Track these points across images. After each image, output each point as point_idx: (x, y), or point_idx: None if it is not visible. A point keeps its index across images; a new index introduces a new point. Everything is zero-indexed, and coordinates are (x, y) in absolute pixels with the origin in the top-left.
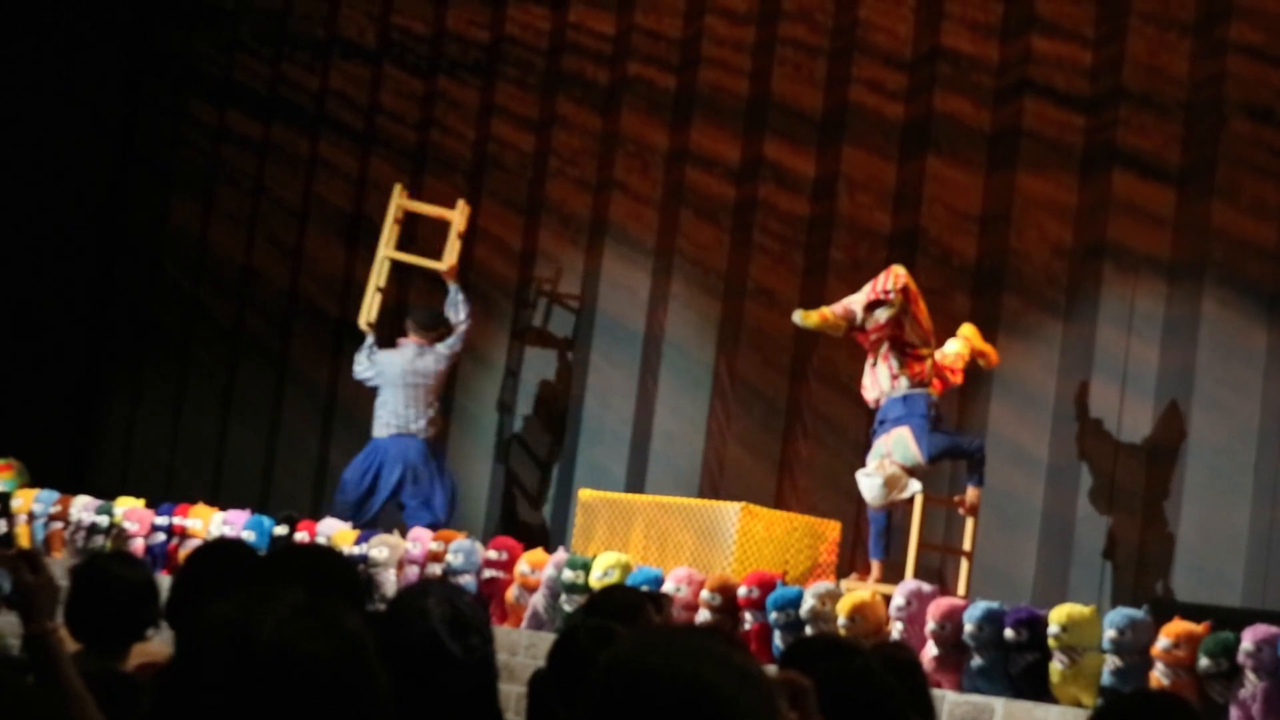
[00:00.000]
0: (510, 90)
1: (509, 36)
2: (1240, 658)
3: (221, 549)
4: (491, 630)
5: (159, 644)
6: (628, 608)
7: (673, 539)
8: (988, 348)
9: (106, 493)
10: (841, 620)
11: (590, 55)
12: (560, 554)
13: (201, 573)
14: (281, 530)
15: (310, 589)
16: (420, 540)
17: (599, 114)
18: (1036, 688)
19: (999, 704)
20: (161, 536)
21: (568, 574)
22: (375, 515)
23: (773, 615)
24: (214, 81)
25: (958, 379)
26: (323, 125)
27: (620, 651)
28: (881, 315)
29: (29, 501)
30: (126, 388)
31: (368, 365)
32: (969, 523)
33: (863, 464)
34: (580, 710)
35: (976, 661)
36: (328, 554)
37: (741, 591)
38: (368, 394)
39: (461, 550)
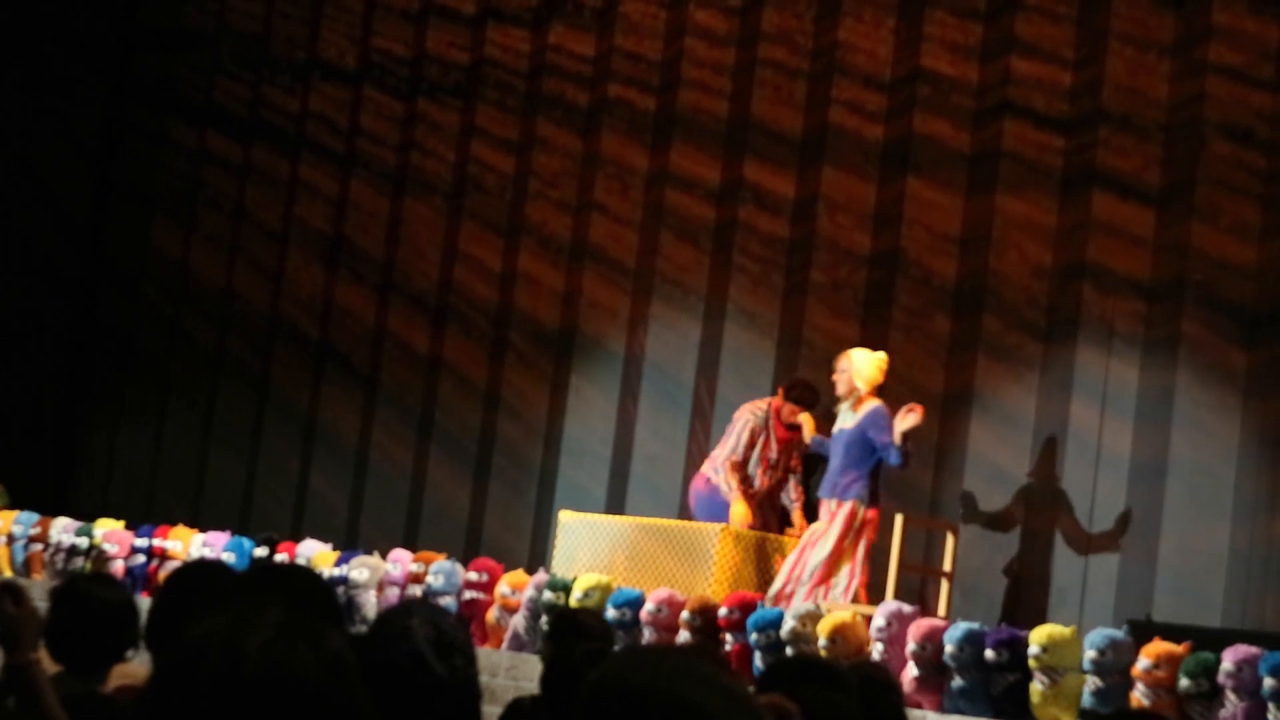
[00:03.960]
0: (490, 112)
1: (489, 59)
2: (1221, 678)
3: (201, 570)
4: (474, 651)
5: (138, 666)
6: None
7: (653, 560)
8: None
9: (87, 515)
10: (822, 641)
11: (570, 77)
12: (541, 575)
13: (181, 594)
14: (262, 552)
15: (289, 609)
16: (400, 562)
17: (579, 136)
18: (1017, 708)
19: None
20: (141, 558)
21: (548, 595)
22: None
23: (753, 636)
24: (194, 105)
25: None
26: (303, 148)
27: (608, 672)
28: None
29: (8, 523)
30: (107, 410)
31: None
32: (949, 544)
33: None
34: None
35: (957, 682)
36: (304, 574)
37: (722, 613)
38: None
39: (442, 572)
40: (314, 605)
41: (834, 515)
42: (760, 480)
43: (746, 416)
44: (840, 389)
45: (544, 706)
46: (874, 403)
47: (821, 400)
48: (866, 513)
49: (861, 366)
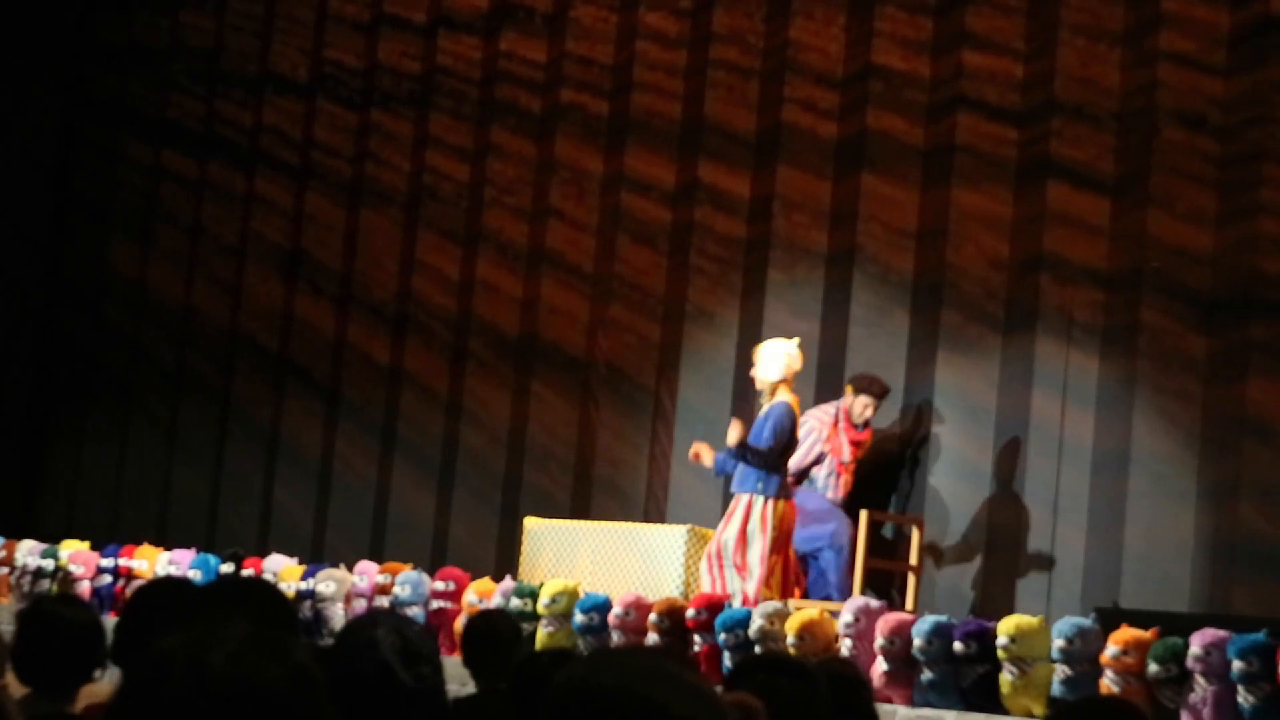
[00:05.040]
0: (444, 121)
1: (441, 67)
2: (1189, 662)
3: (165, 587)
4: (441, 660)
5: (107, 685)
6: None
7: (620, 564)
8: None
9: (52, 537)
10: (790, 639)
11: (523, 83)
12: (508, 582)
13: (146, 611)
14: (228, 568)
15: (254, 622)
16: (367, 573)
17: (533, 142)
18: (988, 700)
19: (951, 717)
20: (107, 578)
21: (515, 602)
22: None
23: (722, 636)
24: (149, 121)
25: None
26: (258, 161)
27: (574, 673)
28: None
29: None
30: (70, 431)
31: None
32: (915, 538)
33: None
34: None
35: (927, 675)
36: (264, 587)
37: (690, 614)
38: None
39: (409, 582)
40: (277, 619)
41: (733, 509)
42: (840, 488)
43: (812, 423)
44: (758, 383)
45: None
46: (778, 400)
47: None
48: (765, 505)
49: (769, 357)
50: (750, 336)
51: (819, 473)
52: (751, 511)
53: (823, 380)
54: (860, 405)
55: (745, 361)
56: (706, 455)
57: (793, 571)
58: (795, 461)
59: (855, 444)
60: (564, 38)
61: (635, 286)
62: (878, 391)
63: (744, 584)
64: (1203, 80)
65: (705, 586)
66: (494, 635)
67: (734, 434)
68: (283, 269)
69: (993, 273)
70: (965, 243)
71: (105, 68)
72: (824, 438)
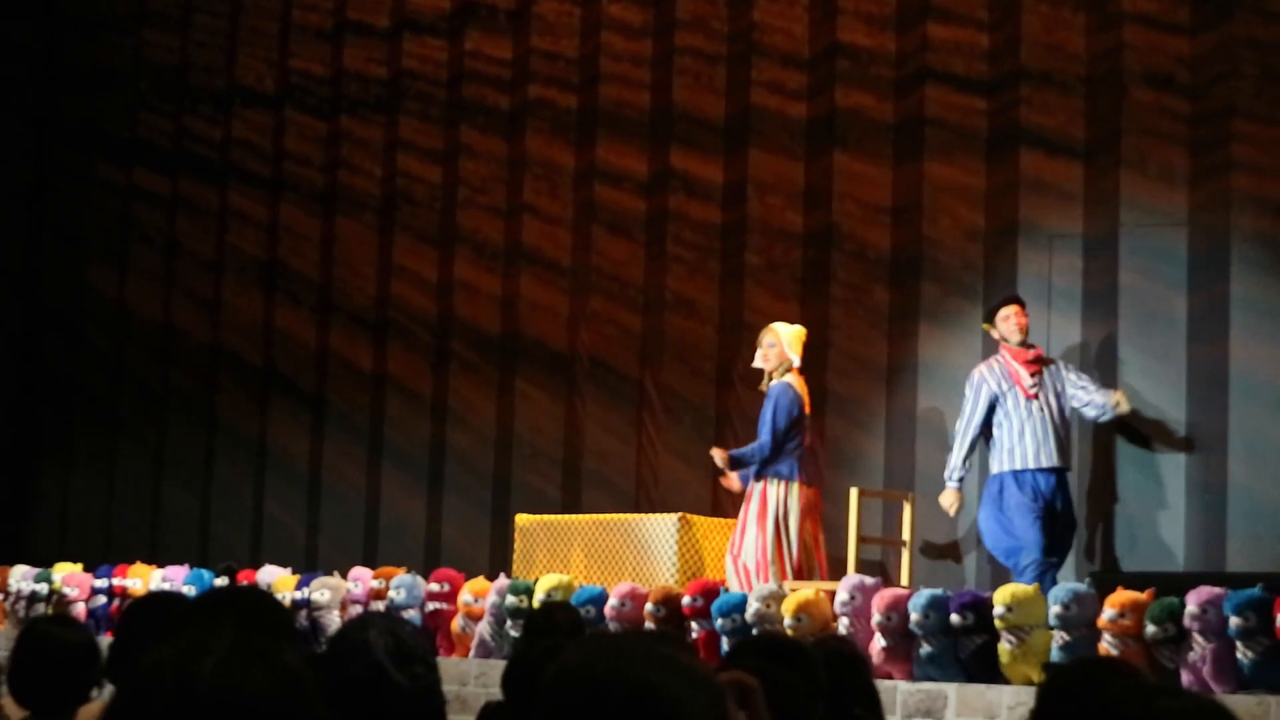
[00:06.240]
0: (414, 124)
1: (408, 71)
2: (1186, 621)
3: (157, 601)
4: (435, 658)
5: (103, 705)
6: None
7: (613, 556)
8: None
9: (44, 561)
10: (788, 621)
11: (490, 82)
12: (502, 580)
13: (138, 627)
14: (222, 582)
15: (243, 628)
16: (361, 580)
17: (504, 139)
18: (987, 670)
19: (951, 690)
20: (102, 599)
21: (511, 599)
22: None
23: (719, 622)
24: (119, 142)
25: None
26: (230, 175)
27: (568, 660)
28: None
29: None
30: (57, 454)
31: None
32: (907, 513)
33: None
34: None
35: (925, 649)
36: (255, 594)
37: (686, 601)
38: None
39: (403, 585)
40: (267, 624)
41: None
42: (1041, 433)
43: (980, 376)
44: (770, 363)
45: (506, 705)
46: (781, 380)
47: None
48: (766, 489)
49: (790, 339)
50: (731, 322)
51: (1008, 434)
52: (753, 498)
53: (804, 361)
54: (1006, 328)
55: (727, 347)
56: (733, 479)
57: (805, 554)
58: (967, 423)
59: (1034, 371)
60: (528, 33)
61: (614, 278)
62: (1007, 299)
63: (751, 571)
64: (1168, 40)
65: (730, 581)
66: (554, 627)
67: (719, 460)
68: (261, 281)
69: (969, 244)
70: (940, 215)
71: (73, 92)
72: (994, 383)
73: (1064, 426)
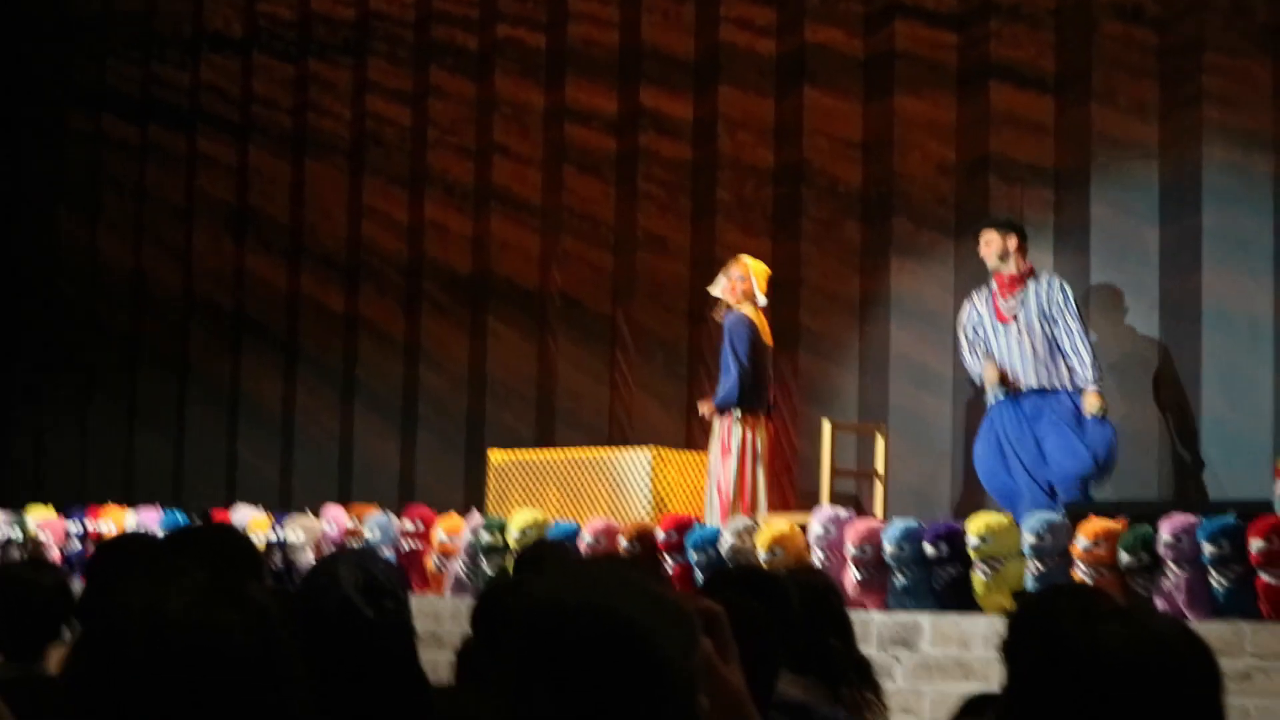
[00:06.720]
0: (382, 65)
1: (375, 12)
2: (1160, 550)
3: (129, 542)
4: (407, 593)
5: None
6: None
7: (587, 491)
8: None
9: (18, 508)
10: (762, 554)
11: (458, 22)
12: (476, 518)
13: (110, 567)
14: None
15: (212, 567)
16: (335, 519)
17: (473, 80)
18: (962, 600)
19: (926, 620)
20: (77, 543)
21: (485, 536)
22: None
23: (693, 556)
24: (88, 91)
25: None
26: (199, 121)
27: (537, 590)
28: None
29: None
30: (30, 404)
31: None
32: (880, 446)
33: None
34: (502, 653)
35: (900, 580)
36: (225, 532)
37: (660, 536)
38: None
39: (377, 524)
40: (237, 562)
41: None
42: (1019, 353)
43: (967, 308)
44: (735, 295)
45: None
46: (738, 312)
47: None
48: (731, 422)
49: (760, 275)
50: (703, 258)
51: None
52: (718, 433)
53: (777, 297)
54: (984, 255)
55: (699, 284)
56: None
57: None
58: (968, 361)
59: (1008, 281)
60: None
61: (585, 217)
62: (988, 223)
63: (720, 504)
64: None
65: (711, 516)
66: (544, 567)
67: (708, 412)
68: (231, 227)
69: (940, 178)
70: (911, 150)
71: (41, 42)
72: (978, 312)
73: (1047, 347)
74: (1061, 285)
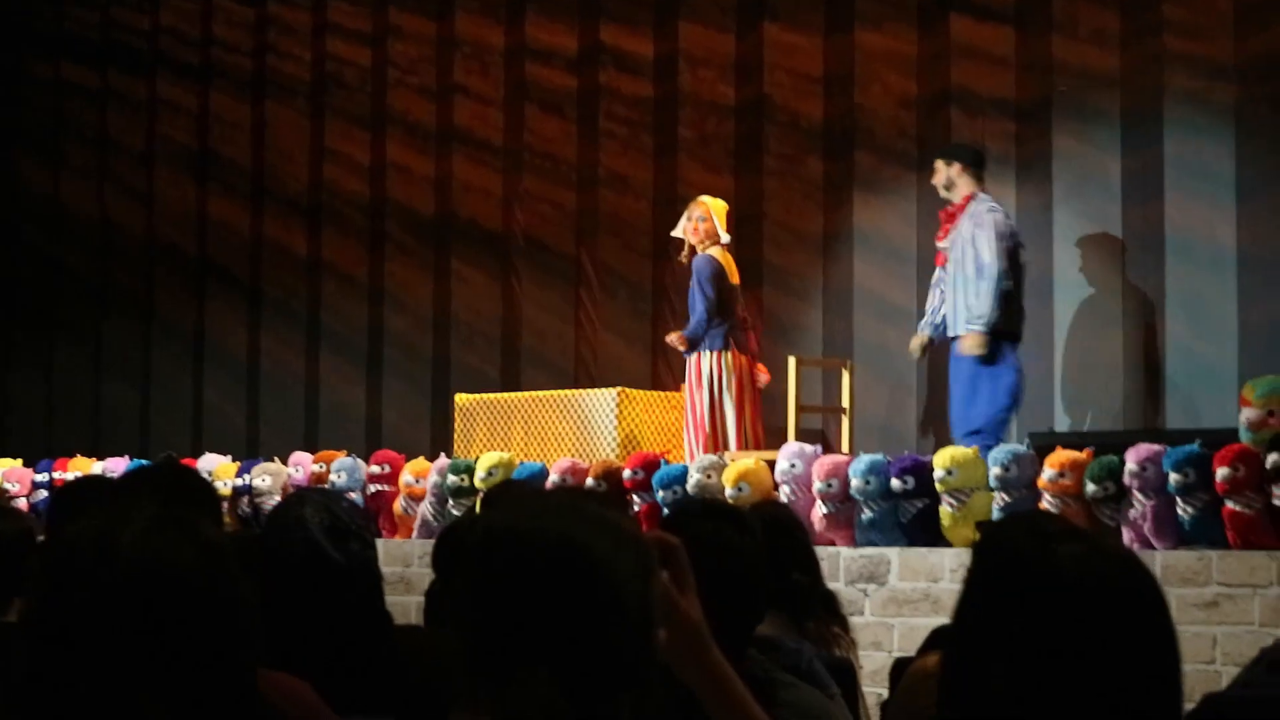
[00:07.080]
0: (342, 7)
1: None
2: (1126, 479)
3: (88, 483)
4: (373, 535)
5: None
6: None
7: (553, 432)
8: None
9: None
10: (729, 490)
11: None
12: (442, 460)
13: (69, 509)
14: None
15: (166, 504)
16: (302, 464)
17: (433, 20)
18: (929, 533)
19: (894, 554)
20: (44, 494)
21: (452, 479)
22: None
23: (660, 494)
24: (46, 37)
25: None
26: (159, 65)
27: (493, 519)
28: None
29: None
30: None
31: None
32: (845, 381)
33: None
34: (459, 581)
35: (867, 514)
36: (180, 470)
37: (626, 475)
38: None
39: (344, 469)
40: (191, 499)
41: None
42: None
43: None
44: (698, 236)
45: (436, 576)
46: (705, 254)
47: None
48: (700, 360)
49: (720, 213)
50: (665, 196)
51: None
52: (689, 371)
53: (740, 234)
54: (935, 178)
55: (662, 222)
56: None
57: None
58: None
59: (945, 218)
60: None
61: (546, 156)
62: (943, 154)
63: (694, 442)
64: None
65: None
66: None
67: (679, 344)
68: (193, 171)
69: (902, 112)
70: (872, 84)
71: None
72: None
73: (978, 276)
74: (990, 211)
